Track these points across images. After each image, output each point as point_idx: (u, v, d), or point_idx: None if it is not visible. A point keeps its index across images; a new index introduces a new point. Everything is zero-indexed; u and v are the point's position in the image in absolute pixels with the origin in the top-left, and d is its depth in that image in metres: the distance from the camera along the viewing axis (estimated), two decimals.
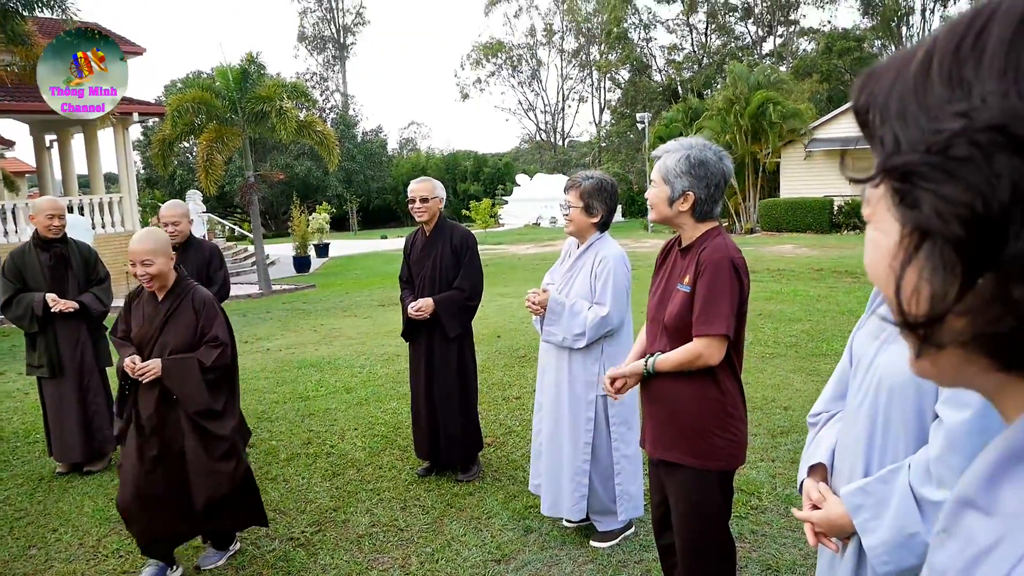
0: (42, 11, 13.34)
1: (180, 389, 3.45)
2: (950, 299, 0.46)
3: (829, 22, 47.54)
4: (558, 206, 3.69)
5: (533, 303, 3.58)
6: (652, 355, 2.61)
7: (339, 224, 37.53)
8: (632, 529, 3.83)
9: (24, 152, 30.13)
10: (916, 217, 0.47)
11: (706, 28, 45.56)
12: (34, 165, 22.66)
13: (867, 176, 0.52)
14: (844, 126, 24.73)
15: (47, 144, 20.21)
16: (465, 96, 58.01)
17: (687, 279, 2.52)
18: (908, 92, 0.49)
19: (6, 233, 14.81)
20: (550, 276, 3.84)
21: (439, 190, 4.57)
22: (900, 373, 1.63)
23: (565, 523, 3.88)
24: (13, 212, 15.43)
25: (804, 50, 43.75)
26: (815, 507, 1.81)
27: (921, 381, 1.60)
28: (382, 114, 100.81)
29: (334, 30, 54.21)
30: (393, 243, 28.54)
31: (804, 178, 25.60)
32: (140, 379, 3.43)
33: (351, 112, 50.41)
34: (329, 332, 10.37)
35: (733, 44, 44.97)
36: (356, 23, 54.55)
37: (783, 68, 39.43)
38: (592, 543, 3.73)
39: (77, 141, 19.35)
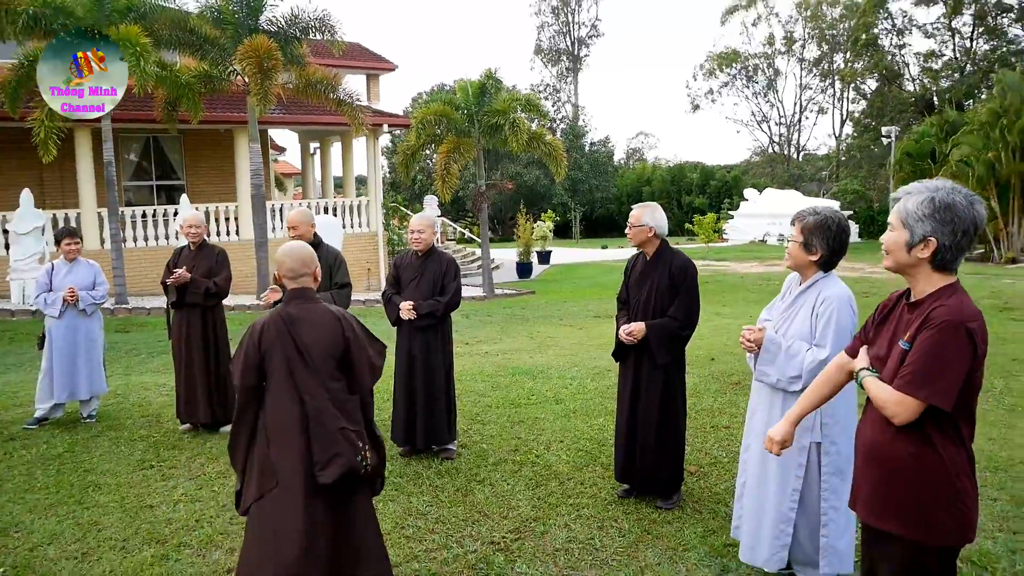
0: (314, 35, 14.98)
1: None
2: None
3: None
4: (780, 235, 3.54)
5: (748, 340, 3.47)
6: (872, 370, 2.44)
7: (562, 231, 38.39)
8: None
9: (292, 156, 34.12)
10: None
11: (972, 32, 41.02)
12: (299, 168, 25.55)
13: None
14: None
15: (311, 151, 22.70)
16: (696, 107, 56.80)
17: (908, 335, 2.32)
18: None
19: (273, 229, 16.73)
20: (768, 312, 3.69)
21: (647, 219, 4.55)
22: None
23: (767, 570, 3.71)
24: (280, 211, 17.47)
25: None
26: None
27: None
28: (611, 124, 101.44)
29: (569, 43, 55.46)
30: (613, 253, 28.66)
31: None
32: None
33: (581, 122, 51.30)
34: (544, 340, 10.66)
35: (1004, 49, 40.04)
36: (591, 35, 55.45)
37: None
38: None
39: (335, 148, 21.58)
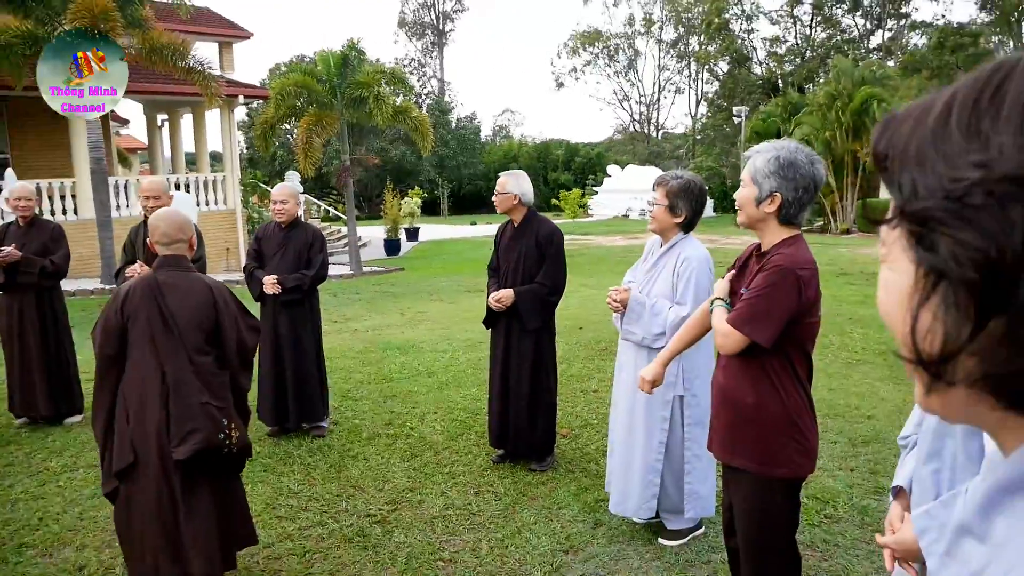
0: None
1: None
2: (962, 339, 0.48)
3: (943, 16, 45.19)
4: (646, 201, 3.68)
5: (614, 300, 3.60)
6: (724, 302, 2.62)
7: (430, 208, 38.14)
8: (702, 529, 3.82)
9: (137, 130, 31.88)
10: (933, 260, 0.50)
11: (811, 20, 43.93)
12: (146, 142, 23.97)
13: (886, 218, 0.55)
14: None
15: (159, 123, 21.33)
16: (560, 85, 57.99)
17: (749, 281, 2.52)
18: (927, 140, 0.51)
19: (118, 207, 15.66)
20: (632, 274, 3.84)
21: (512, 186, 4.61)
22: None
23: (636, 520, 3.89)
24: (125, 187, 16.33)
25: (915, 45, 41.57)
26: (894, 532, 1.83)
27: None
28: (477, 100, 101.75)
29: (434, 17, 54.91)
30: (482, 229, 28.81)
31: None
32: None
33: (447, 98, 51.01)
34: (415, 315, 10.61)
35: (839, 37, 43.20)
36: (455, 9, 55.10)
37: (891, 63, 37.62)
38: (660, 540, 3.74)
39: (186, 121, 20.35)
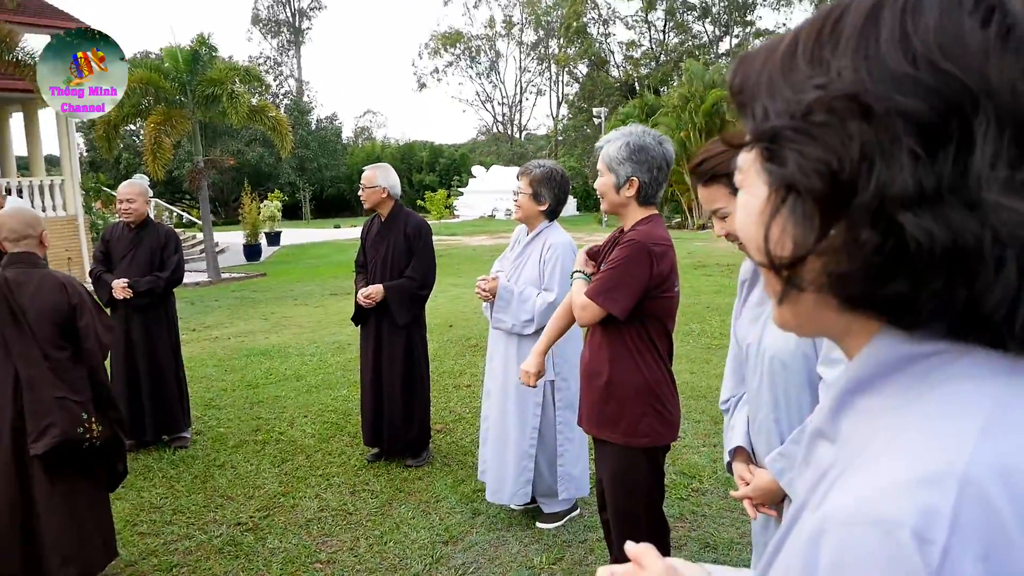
0: None
1: None
2: (809, 244, 0.53)
3: (784, 24, 48.42)
4: (512, 191, 3.74)
5: (483, 290, 3.64)
6: (584, 275, 2.73)
7: (291, 212, 37.03)
8: (578, 511, 3.91)
9: None
10: (782, 174, 0.54)
11: (664, 26, 46.06)
12: None
13: (744, 143, 0.60)
14: None
15: None
16: (422, 86, 57.68)
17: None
18: (776, 71, 0.56)
19: None
20: (499, 263, 3.89)
21: (380, 179, 4.57)
22: (786, 348, 1.81)
23: (513, 506, 3.94)
24: None
25: None
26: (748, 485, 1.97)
27: (807, 351, 1.79)
28: (337, 101, 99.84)
29: (289, 13, 53.37)
30: (346, 232, 28.28)
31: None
32: None
33: (306, 98, 49.73)
34: (279, 321, 10.28)
35: (690, 43, 45.53)
36: (312, 7, 53.80)
37: None
38: (538, 524, 3.81)
39: (16, 120, 18.70)
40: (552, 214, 3.62)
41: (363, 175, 4.63)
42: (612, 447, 2.67)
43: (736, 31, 45.62)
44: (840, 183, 0.51)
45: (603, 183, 2.62)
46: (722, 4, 44.55)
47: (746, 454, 2.03)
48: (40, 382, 2.93)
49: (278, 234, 23.13)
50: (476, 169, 39.06)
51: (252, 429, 5.50)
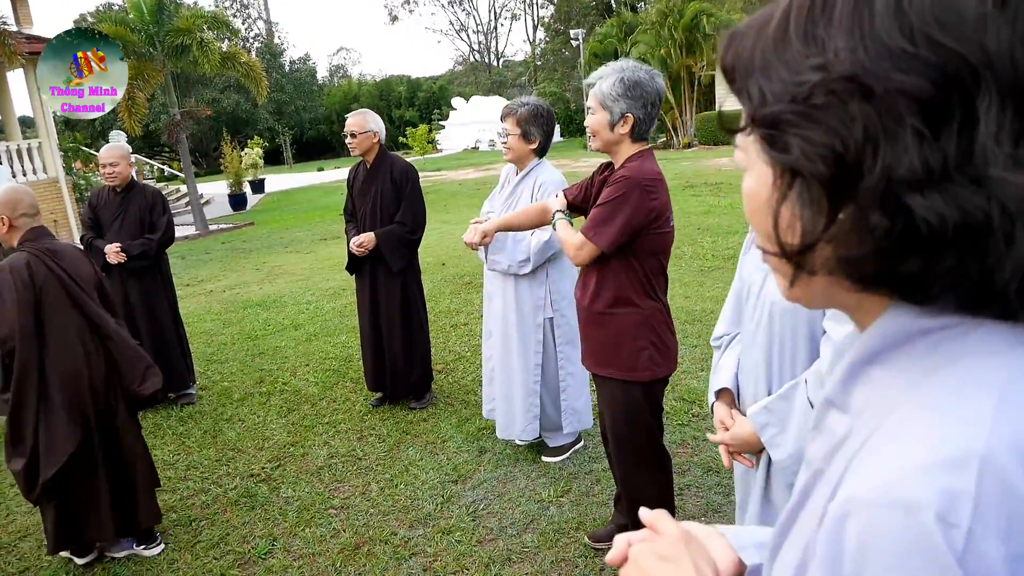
0: None
1: None
2: (819, 229, 0.53)
3: None
4: (496, 132, 3.70)
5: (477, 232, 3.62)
6: (565, 214, 2.75)
7: (273, 158, 36.60)
8: (582, 443, 4.00)
9: None
10: (786, 159, 0.54)
11: None
12: None
13: (740, 127, 0.59)
14: None
15: None
16: (394, 18, 56.32)
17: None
18: (769, 49, 0.55)
19: None
20: (489, 204, 3.87)
21: (371, 124, 4.51)
22: None
23: (518, 442, 4.03)
24: None
25: None
26: (728, 430, 1.95)
27: None
28: (309, 41, 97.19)
29: None
30: (330, 175, 27.98)
31: None
32: None
33: (276, 40, 48.44)
34: (272, 270, 10.28)
35: None
36: None
37: None
38: (544, 458, 3.90)
39: None
40: (542, 151, 3.59)
41: (350, 122, 4.52)
42: (612, 383, 2.71)
43: None
44: (846, 167, 0.50)
45: (596, 121, 2.57)
46: None
47: (731, 396, 2.01)
48: (122, 334, 3.17)
49: (262, 181, 22.88)
50: (456, 101, 38.48)
51: (256, 381, 5.57)
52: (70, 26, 41.74)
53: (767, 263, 0.62)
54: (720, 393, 2.03)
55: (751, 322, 1.90)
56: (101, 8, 39.04)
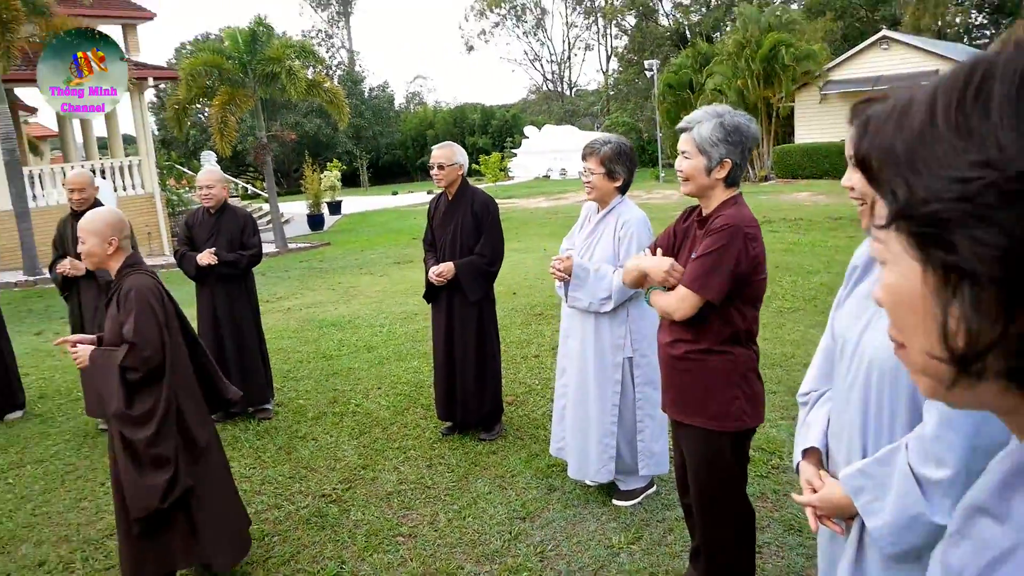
0: None
1: (100, 386, 3.13)
2: (993, 336, 0.50)
3: None
4: (579, 172, 3.70)
5: (557, 270, 3.62)
6: (652, 288, 2.70)
7: (350, 180, 37.46)
8: (654, 488, 3.91)
9: (46, 118, 30.29)
10: (953, 260, 0.51)
11: None
12: (55, 129, 22.79)
13: (884, 223, 0.56)
14: (861, 66, 24.28)
15: None
16: (470, 48, 57.37)
17: (699, 247, 2.56)
18: (914, 141, 0.53)
19: (35, 198, 15.08)
20: (568, 241, 3.87)
21: (458, 157, 4.60)
22: (891, 355, 1.65)
23: (588, 482, 3.97)
24: (40, 178, 15.69)
25: None
26: (815, 491, 1.83)
27: None
28: (388, 69, 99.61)
29: None
30: (404, 199, 28.49)
31: (820, 122, 25.19)
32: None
33: (357, 68, 49.91)
34: (347, 290, 10.50)
35: None
36: None
37: (794, 7, 38.38)
38: (615, 501, 3.82)
39: None
40: (625, 188, 3.59)
41: (437, 154, 4.60)
42: (698, 431, 2.65)
43: None
44: (1021, 268, 0.48)
45: (692, 166, 2.53)
46: None
47: (819, 456, 1.91)
48: (207, 352, 3.45)
49: (339, 203, 23.46)
50: (528, 129, 38.71)
51: (329, 400, 5.67)
52: (171, 54, 43.76)
53: (904, 358, 0.59)
54: (808, 452, 1.92)
55: (844, 380, 1.80)
56: (199, 37, 41.03)
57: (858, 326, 1.77)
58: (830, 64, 25.03)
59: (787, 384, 5.31)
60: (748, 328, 2.59)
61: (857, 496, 1.69)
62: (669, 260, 2.65)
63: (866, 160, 0.57)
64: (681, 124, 2.60)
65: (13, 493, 4.42)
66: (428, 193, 30.43)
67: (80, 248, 3.11)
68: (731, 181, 2.54)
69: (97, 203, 5.23)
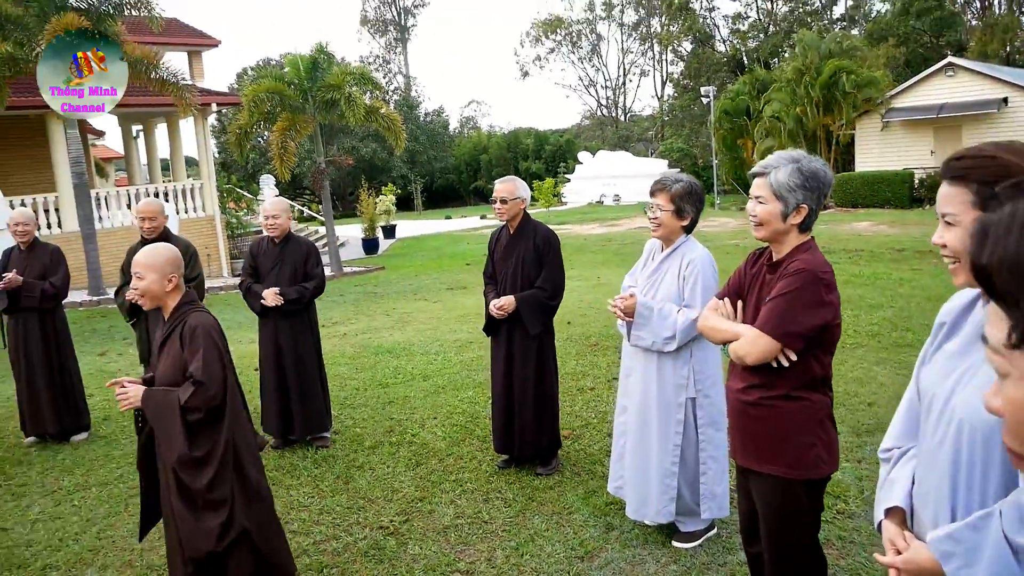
0: (129, 11, 13.92)
1: (158, 427, 2.98)
2: None
3: None
4: (646, 208, 3.67)
5: (619, 308, 3.58)
6: (727, 346, 2.64)
7: (404, 204, 37.96)
8: (715, 530, 3.83)
9: (113, 140, 31.68)
10: None
11: None
12: (121, 152, 23.75)
13: (1011, 343, 0.54)
14: (925, 94, 23.77)
15: (134, 134, 21.15)
16: (525, 74, 57.67)
17: (771, 293, 2.52)
18: None
19: (100, 219, 15.65)
20: (631, 278, 3.84)
21: (521, 191, 4.63)
22: (984, 416, 1.49)
23: (648, 522, 3.90)
24: (105, 200, 16.32)
25: (878, 12, 41.74)
26: (899, 553, 1.75)
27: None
28: (443, 94, 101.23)
29: (395, 13, 54.53)
30: (457, 223, 28.76)
31: (881, 150, 24.74)
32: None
33: (413, 93, 50.78)
34: (401, 317, 10.58)
35: (801, 10, 43.38)
36: (416, 5, 54.78)
37: (856, 32, 37.84)
38: (675, 543, 3.74)
39: (160, 130, 20.20)
40: (691, 227, 3.55)
41: (500, 188, 4.62)
42: (773, 480, 2.58)
43: None
44: None
45: (767, 211, 2.50)
46: None
47: (902, 516, 1.83)
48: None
49: (393, 227, 23.78)
50: (582, 155, 38.79)
51: (386, 430, 5.70)
52: (232, 80, 45.07)
53: (1020, 467, 0.57)
54: (891, 511, 1.85)
55: (932, 438, 1.73)
56: (260, 63, 42.28)
57: (947, 384, 1.71)
58: (893, 91, 24.59)
59: (850, 424, 5.16)
60: (824, 374, 2.53)
61: (946, 562, 1.62)
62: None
63: (986, 271, 0.55)
64: (756, 169, 2.57)
65: (79, 516, 4.52)
66: (481, 218, 30.67)
67: (136, 284, 3.00)
68: (805, 226, 2.51)
69: (167, 232, 5.38)
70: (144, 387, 3.01)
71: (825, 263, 2.49)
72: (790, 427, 2.52)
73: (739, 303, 2.69)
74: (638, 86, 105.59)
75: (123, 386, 3.02)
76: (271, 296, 5.20)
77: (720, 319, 2.63)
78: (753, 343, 2.47)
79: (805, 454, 2.51)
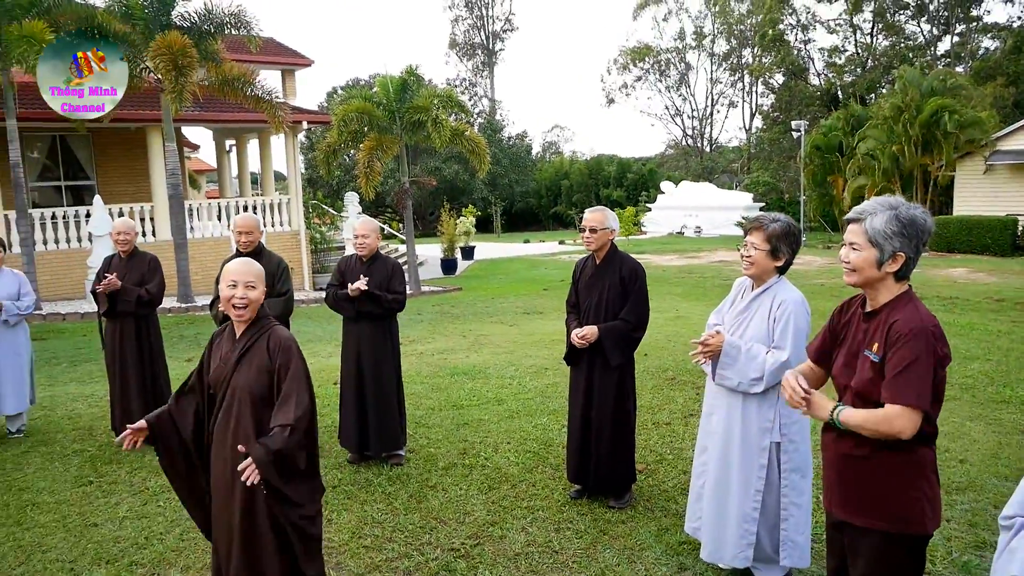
0: (229, 31, 14.61)
1: (276, 476, 2.95)
2: None
3: (1020, 17, 43.47)
4: (739, 247, 3.61)
5: (706, 346, 3.52)
6: (839, 406, 2.51)
7: (483, 226, 38.41)
8: None
9: (206, 153, 33.26)
10: None
11: (872, 28, 42.99)
12: (213, 164, 24.83)
13: None
14: None
15: (227, 148, 22.10)
16: (611, 101, 57.67)
17: (875, 347, 2.43)
18: None
19: (191, 229, 16.32)
20: (717, 316, 3.78)
21: (610, 221, 4.63)
22: None
23: (722, 566, 3.81)
24: (197, 211, 17.03)
25: (986, 49, 40.09)
26: None
27: None
28: (527, 118, 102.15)
29: (484, 37, 55.44)
30: (535, 248, 28.88)
31: (983, 194, 23.67)
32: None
33: (498, 116, 51.43)
34: (477, 338, 10.66)
35: (903, 45, 42.10)
36: (505, 30, 55.58)
37: (960, 70, 36.43)
38: None
39: (252, 145, 21.05)
40: (785, 269, 3.49)
41: (589, 218, 4.63)
42: (876, 534, 2.49)
43: (958, 28, 41.09)
44: None
45: (862, 258, 2.44)
46: (940, 0, 40.45)
47: None
48: None
49: (472, 248, 24.05)
50: (665, 184, 38.53)
51: (460, 452, 5.73)
52: (322, 98, 46.52)
53: None
54: None
55: None
56: (350, 82, 43.61)
57: None
58: (999, 133, 23.50)
59: (940, 482, 4.90)
60: (932, 425, 2.44)
61: None
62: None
63: None
64: (850, 215, 2.50)
65: (164, 516, 4.69)
66: (560, 243, 30.73)
67: (248, 293, 3.01)
68: (901, 275, 2.44)
69: (261, 246, 5.59)
70: (253, 457, 2.88)
71: (930, 315, 2.41)
72: (896, 480, 2.44)
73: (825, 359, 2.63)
74: (726, 117, 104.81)
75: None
76: (360, 282, 5.29)
77: (858, 414, 2.45)
78: (904, 419, 2.34)
79: (911, 509, 2.43)
